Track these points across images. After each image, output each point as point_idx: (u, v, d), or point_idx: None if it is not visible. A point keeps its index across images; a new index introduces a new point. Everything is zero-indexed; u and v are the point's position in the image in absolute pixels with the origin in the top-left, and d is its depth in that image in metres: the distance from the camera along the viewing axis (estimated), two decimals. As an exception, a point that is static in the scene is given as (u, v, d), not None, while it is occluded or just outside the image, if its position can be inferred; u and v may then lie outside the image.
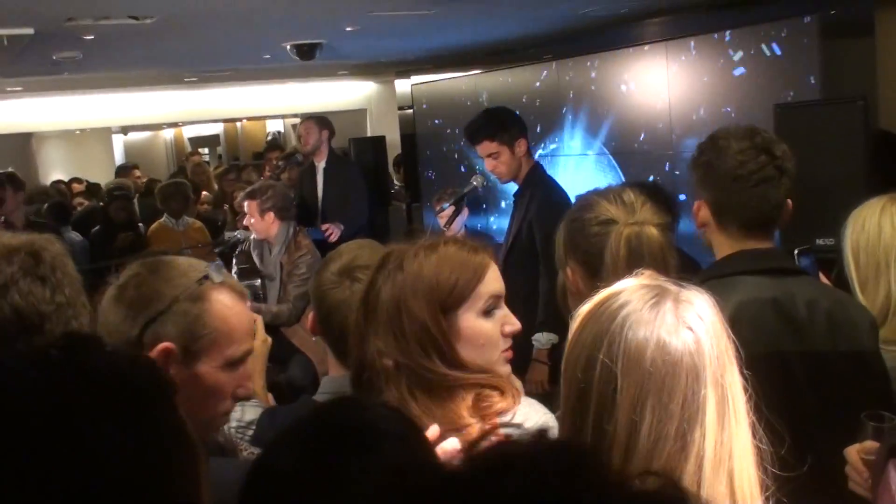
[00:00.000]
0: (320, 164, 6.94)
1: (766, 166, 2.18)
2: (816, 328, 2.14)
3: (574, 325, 1.38)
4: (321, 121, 6.96)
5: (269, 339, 2.34)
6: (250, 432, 2.23)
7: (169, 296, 1.66)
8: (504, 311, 1.86)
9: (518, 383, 1.94)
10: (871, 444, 1.81)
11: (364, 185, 7.04)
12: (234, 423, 2.21)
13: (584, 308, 1.38)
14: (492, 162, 4.50)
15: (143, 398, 0.93)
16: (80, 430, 0.87)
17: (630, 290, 1.35)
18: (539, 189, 4.46)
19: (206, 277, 1.70)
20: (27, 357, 0.97)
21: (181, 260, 1.77)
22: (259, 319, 2.20)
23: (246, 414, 2.25)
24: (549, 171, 4.85)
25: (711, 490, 1.25)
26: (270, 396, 2.50)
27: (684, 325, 1.29)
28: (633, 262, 1.81)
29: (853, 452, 1.84)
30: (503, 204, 8.63)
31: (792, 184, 2.22)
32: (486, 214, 8.97)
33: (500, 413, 1.73)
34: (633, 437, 1.26)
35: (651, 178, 6.81)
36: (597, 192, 2.12)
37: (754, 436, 1.32)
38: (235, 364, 1.71)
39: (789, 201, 2.25)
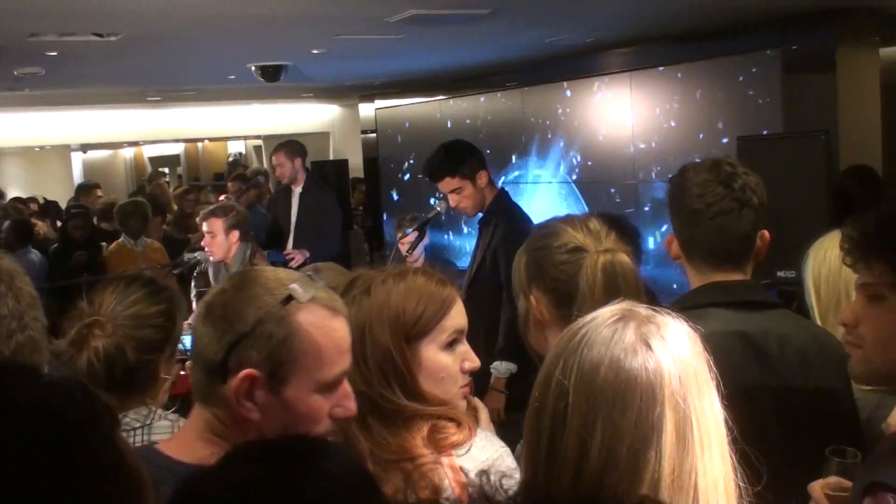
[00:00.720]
0: (297, 189, 6.81)
1: (724, 199, 2.17)
2: (787, 363, 2.13)
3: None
4: (291, 149, 6.77)
5: None
6: None
7: (252, 317, 1.53)
8: (465, 347, 1.84)
9: (485, 411, 1.91)
10: (835, 480, 1.81)
11: (338, 217, 6.93)
12: None
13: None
14: (455, 197, 4.45)
15: (73, 432, 0.90)
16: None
17: (601, 312, 1.32)
18: (504, 217, 4.42)
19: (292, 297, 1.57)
20: None
21: (269, 273, 1.62)
22: None
23: None
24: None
25: None
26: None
27: (644, 345, 1.25)
28: (609, 289, 1.79)
29: (817, 488, 1.83)
30: (465, 230, 8.63)
31: (758, 215, 2.21)
32: (447, 235, 8.97)
33: (456, 445, 1.71)
34: (583, 455, 1.22)
35: (610, 207, 6.86)
36: (560, 220, 2.07)
37: (734, 470, 1.28)
38: (329, 386, 1.58)
39: (765, 233, 2.24)
